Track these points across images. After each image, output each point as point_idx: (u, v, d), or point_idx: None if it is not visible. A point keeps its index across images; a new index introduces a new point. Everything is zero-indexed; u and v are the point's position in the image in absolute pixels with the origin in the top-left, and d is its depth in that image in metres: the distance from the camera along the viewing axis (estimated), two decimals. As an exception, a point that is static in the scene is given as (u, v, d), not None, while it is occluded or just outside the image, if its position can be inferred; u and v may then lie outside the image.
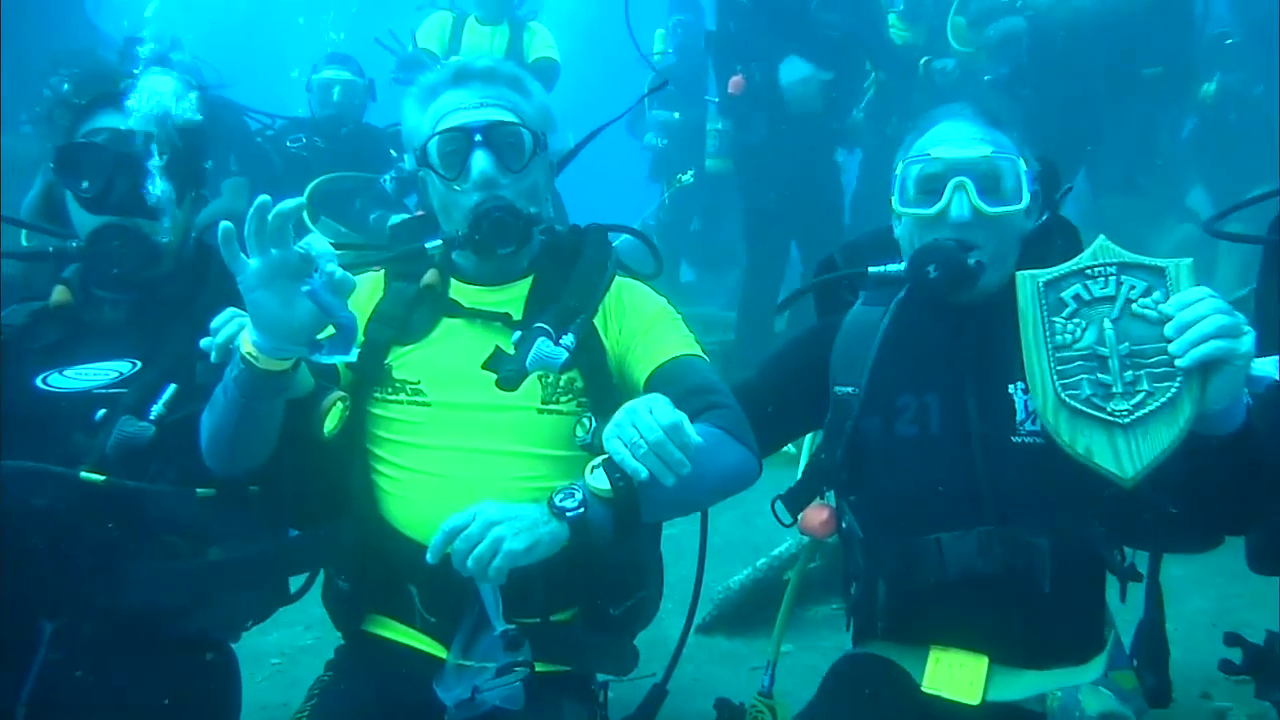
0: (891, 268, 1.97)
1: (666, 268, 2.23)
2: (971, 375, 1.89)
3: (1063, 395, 1.69)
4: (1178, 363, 1.61)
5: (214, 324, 1.77)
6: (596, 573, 1.92)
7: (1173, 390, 1.63)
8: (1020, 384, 1.83)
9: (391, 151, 4.61)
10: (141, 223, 1.97)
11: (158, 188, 1.95)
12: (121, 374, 1.95)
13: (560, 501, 1.67)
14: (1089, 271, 1.73)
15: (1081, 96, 5.11)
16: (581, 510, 1.66)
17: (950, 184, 1.85)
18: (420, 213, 2.25)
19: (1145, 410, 1.64)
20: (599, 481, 1.66)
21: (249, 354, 1.65)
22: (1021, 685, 1.84)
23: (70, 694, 1.83)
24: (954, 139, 1.91)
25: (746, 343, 5.43)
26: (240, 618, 2.05)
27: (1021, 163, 1.89)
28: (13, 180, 3.30)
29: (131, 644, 1.87)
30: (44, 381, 1.93)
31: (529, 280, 2.02)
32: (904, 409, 1.92)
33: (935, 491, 1.87)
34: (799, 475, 2.20)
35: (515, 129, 1.92)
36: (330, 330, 1.65)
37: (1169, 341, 1.63)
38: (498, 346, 1.89)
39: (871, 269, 1.99)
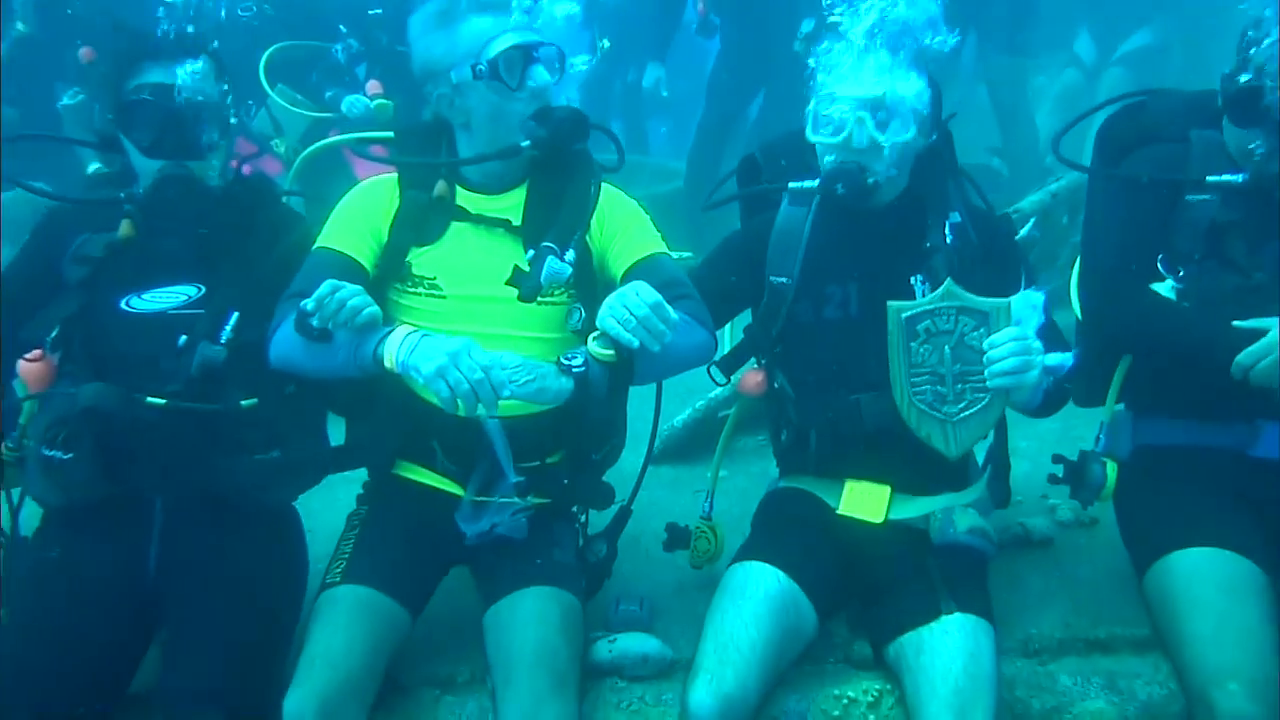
0: (807, 184, 2.32)
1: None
2: (882, 270, 2.30)
3: (914, 399, 2.22)
4: (987, 384, 2.13)
5: (322, 295, 1.95)
6: (583, 424, 2.32)
7: (986, 400, 2.19)
8: (919, 276, 2.27)
9: (341, 27, 4.69)
10: (193, 165, 2.23)
11: (206, 137, 2.23)
12: (190, 297, 2.26)
13: (566, 360, 2.02)
14: (937, 311, 2.17)
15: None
16: (584, 369, 2.01)
17: (851, 119, 2.19)
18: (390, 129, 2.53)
19: (968, 413, 2.20)
20: (601, 347, 2.01)
21: (391, 368, 1.97)
22: (915, 507, 2.32)
23: (185, 550, 2.24)
24: (856, 78, 2.21)
25: (694, 192, 5.60)
26: (299, 492, 2.45)
27: (911, 97, 2.19)
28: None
29: (224, 511, 2.25)
30: (126, 304, 2.25)
31: (524, 188, 2.30)
32: (830, 296, 2.32)
33: (856, 362, 2.30)
34: (725, 347, 2.60)
35: (555, 48, 2.20)
36: None
37: (984, 368, 2.12)
38: (516, 266, 2.17)
39: (791, 184, 2.35)
